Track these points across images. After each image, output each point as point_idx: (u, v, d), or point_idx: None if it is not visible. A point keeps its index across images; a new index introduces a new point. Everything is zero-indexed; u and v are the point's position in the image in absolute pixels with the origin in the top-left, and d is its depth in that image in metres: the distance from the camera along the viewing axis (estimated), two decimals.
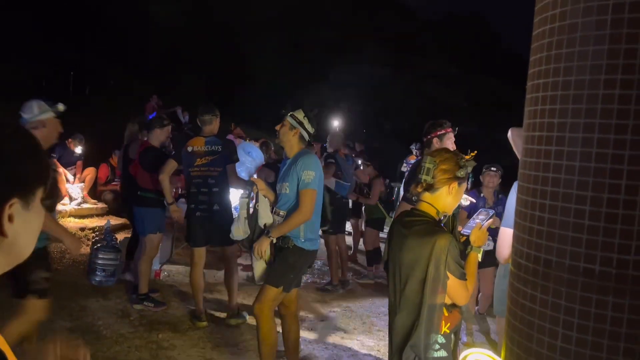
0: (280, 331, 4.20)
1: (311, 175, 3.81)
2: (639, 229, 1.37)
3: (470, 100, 20.57)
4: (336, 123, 16.89)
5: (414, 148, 10.63)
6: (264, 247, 3.92)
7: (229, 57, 20.14)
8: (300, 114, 3.94)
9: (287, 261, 3.88)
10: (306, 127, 3.96)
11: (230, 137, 7.72)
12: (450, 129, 4.50)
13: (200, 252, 5.23)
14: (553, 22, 1.51)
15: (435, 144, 4.44)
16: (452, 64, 21.38)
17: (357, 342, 5.16)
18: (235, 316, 5.31)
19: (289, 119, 3.95)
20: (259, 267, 4.04)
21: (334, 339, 5.22)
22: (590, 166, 1.43)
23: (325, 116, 17.62)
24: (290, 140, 3.98)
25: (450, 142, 4.50)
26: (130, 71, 17.01)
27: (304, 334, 5.24)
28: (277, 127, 4.01)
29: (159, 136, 5.68)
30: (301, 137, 3.98)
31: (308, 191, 3.81)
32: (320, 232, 6.46)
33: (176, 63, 18.39)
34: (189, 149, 5.21)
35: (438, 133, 4.46)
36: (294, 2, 20.89)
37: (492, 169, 5.58)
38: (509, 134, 3.97)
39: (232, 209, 5.39)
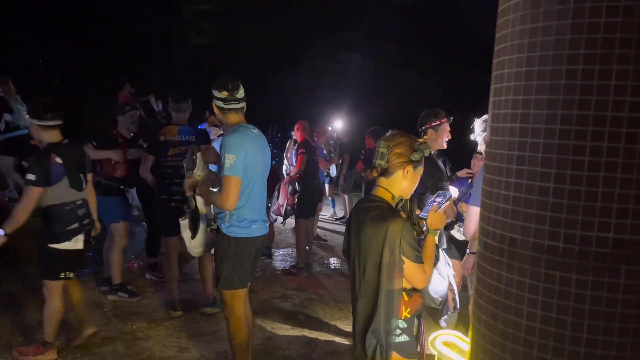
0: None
1: (231, 159, 3.39)
2: (601, 206, 1.38)
3: (445, 88, 20.65)
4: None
5: None
6: (189, 183, 3.67)
7: (201, 43, 19.87)
8: (216, 94, 3.60)
9: (218, 257, 3.73)
10: (217, 96, 3.59)
11: (204, 125, 7.64)
12: (445, 120, 4.38)
13: (174, 242, 5.17)
14: None
15: (430, 135, 4.37)
16: (426, 51, 21.39)
17: (333, 329, 5.17)
18: (211, 305, 5.27)
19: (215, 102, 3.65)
20: (186, 236, 3.86)
21: (310, 325, 5.22)
22: (554, 143, 1.42)
23: (303, 104, 17.54)
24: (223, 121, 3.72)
25: (446, 133, 4.40)
26: (101, 60, 16.64)
27: (279, 321, 5.24)
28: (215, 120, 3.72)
29: (123, 123, 5.59)
30: (220, 110, 3.64)
31: (226, 178, 3.42)
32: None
33: (147, 50, 18.05)
34: (161, 137, 5.14)
35: (433, 124, 4.38)
36: None
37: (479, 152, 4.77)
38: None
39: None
